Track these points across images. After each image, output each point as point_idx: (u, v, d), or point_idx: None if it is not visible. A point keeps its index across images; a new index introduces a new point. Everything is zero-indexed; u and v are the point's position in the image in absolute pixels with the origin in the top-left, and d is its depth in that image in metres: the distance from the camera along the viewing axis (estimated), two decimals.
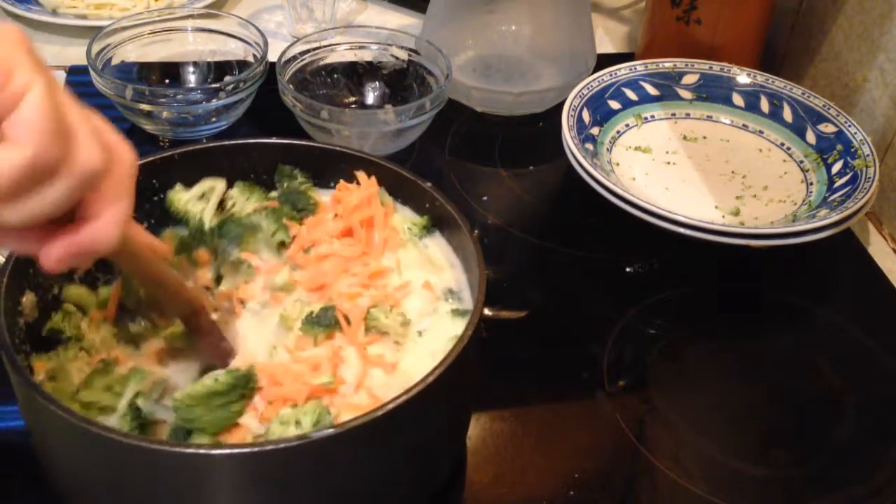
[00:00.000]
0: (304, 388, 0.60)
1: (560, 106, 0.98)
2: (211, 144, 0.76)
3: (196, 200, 0.71)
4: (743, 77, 1.05)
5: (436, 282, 0.69)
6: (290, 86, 0.97)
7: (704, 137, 1.03)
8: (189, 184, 0.72)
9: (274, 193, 0.75)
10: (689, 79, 1.06)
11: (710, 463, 0.72)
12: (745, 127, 1.03)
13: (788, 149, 1.00)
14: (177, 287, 0.62)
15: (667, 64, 1.06)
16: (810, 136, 0.99)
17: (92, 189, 0.46)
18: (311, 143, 0.77)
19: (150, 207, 0.71)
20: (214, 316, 0.65)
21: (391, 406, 0.53)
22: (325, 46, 1.04)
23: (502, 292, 0.85)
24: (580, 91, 1.00)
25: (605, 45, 1.26)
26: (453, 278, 0.70)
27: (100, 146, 0.46)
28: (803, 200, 0.93)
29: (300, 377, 0.61)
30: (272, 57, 1.00)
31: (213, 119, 0.99)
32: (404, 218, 0.73)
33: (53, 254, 0.47)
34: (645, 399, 0.77)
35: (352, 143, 0.95)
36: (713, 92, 1.05)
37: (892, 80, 0.97)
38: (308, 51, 1.03)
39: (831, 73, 1.08)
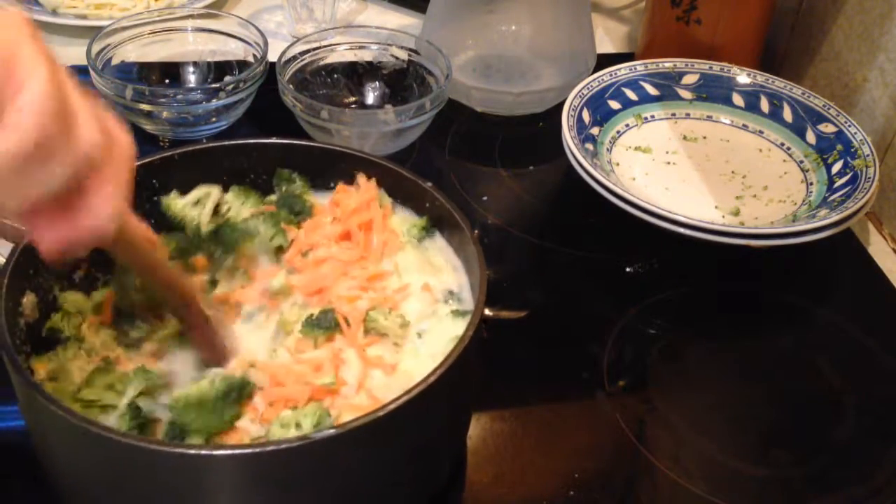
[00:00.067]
0: (306, 388, 0.60)
1: (560, 106, 0.98)
2: (211, 144, 0.76)
3: (192, 206, 0.71)
4: (743, 77, 1.05)
5: (435, 284, 0.69)
6: (290, 86, 0.97)
7: (704, 137, 1.03)
8: (189, 183, 0.72)
9: (272, 197, 0.75)
10: (689, 79, 1.06)
11: (710, 463, 0.72)
12: (745, 127, 1.03)
13: (788, 149, 1.00)
14: (171, 278, 0.62)
15: (667, 64, 1.06)
16: (810, 136, 0.99)
17: (91, 172, 0.46)
18: (311, 143, 0.77)
19: (150, 208, 0.71)
20: (210, 312, 0.65)
21: (392, 406, 0.53)
22: (325, 46, 1.04)
23: (502, 292, 0.85)
24: (580, 91, 1.00)
25: (605, 45, 1.26)
26: (453, 280, 0.70)
27: (100, 128, 0.46)
28: (803, 200, 0.93)
29: (302, 377, 0.61)
30: (272, 57, 1.00)
31: (213, 119, 0.99)
32: (403, 220, 0.73)
33: (52, 237, 0.47)
34: (645, 399, 0.77)
35: (352, 143, 0.95)
36: (713, 92, 1.05)
37: (892, 80, 0.97)
38: (308, 51, 1.03)
39: (831, 73, 1.08)
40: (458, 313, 0.67)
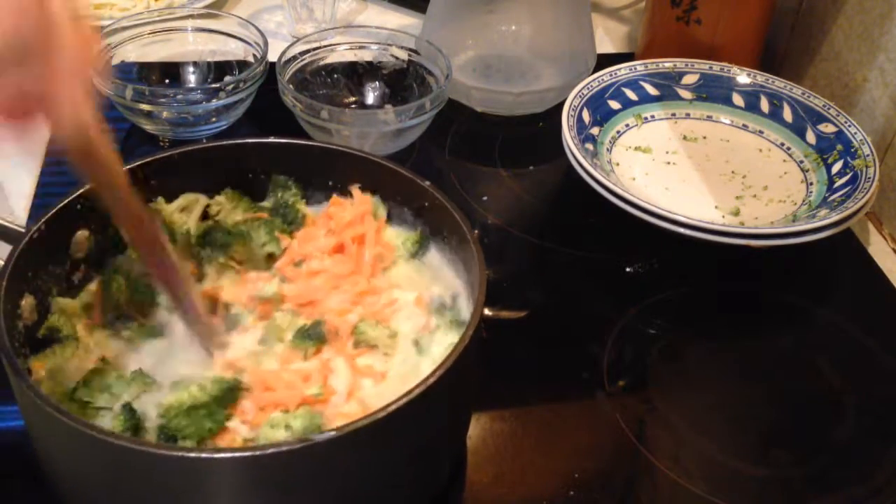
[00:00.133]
0: (295, 394, 0.60)
1: (560, 106, 0.98)
2: (211, 144, 0.76)
3: (179, 212, 0.71)
4: (743, 77, 1.05)
5: (428, 297, 0.69)
6: (290, 86, 0.97)
7: (704, 137, 1.03)
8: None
9: (264, 203, 0.74)
10: (689, 79, 1.06)
11: (710, 463, 0.72)
12: (745, 127, 1.03)
13: (788, 149, 1.00)
14: (137, 206, 0.60)
15: (667, 64, 1.06)
16: (810, 136, 0.99)
17: (26, 61, 0.46)
18: (311, 143, 0.77)
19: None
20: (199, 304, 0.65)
21: (392, 408, 0.53)
22: (325, 46, 1.04)
23: (502, 292, 0.85)
24: (580, 91, 1.00)
25: (605, 45, 1.26)
26: (448, 291, 0.70)
27: (21, 14, 0.45)
28: (803, 200, 0.93)
29: (291, 385, 0.61)
30: (272, 57, 1.00)
31: (213, 119, 0.99)
32: (398, 233, 0.73)
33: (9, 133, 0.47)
34: (645, 399, 0.77)
35: (352, 143, 0.95)
36: (713, 92, 1.05)
37: (892, 80, 0.97)
38: (308, 51, 1.03)
39: (831, 73, 1.08)
40: (453, 324, 0.66)
